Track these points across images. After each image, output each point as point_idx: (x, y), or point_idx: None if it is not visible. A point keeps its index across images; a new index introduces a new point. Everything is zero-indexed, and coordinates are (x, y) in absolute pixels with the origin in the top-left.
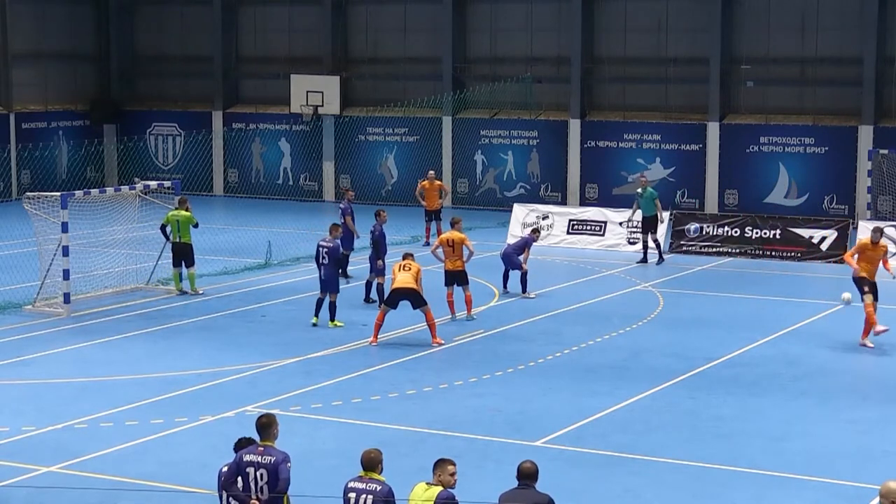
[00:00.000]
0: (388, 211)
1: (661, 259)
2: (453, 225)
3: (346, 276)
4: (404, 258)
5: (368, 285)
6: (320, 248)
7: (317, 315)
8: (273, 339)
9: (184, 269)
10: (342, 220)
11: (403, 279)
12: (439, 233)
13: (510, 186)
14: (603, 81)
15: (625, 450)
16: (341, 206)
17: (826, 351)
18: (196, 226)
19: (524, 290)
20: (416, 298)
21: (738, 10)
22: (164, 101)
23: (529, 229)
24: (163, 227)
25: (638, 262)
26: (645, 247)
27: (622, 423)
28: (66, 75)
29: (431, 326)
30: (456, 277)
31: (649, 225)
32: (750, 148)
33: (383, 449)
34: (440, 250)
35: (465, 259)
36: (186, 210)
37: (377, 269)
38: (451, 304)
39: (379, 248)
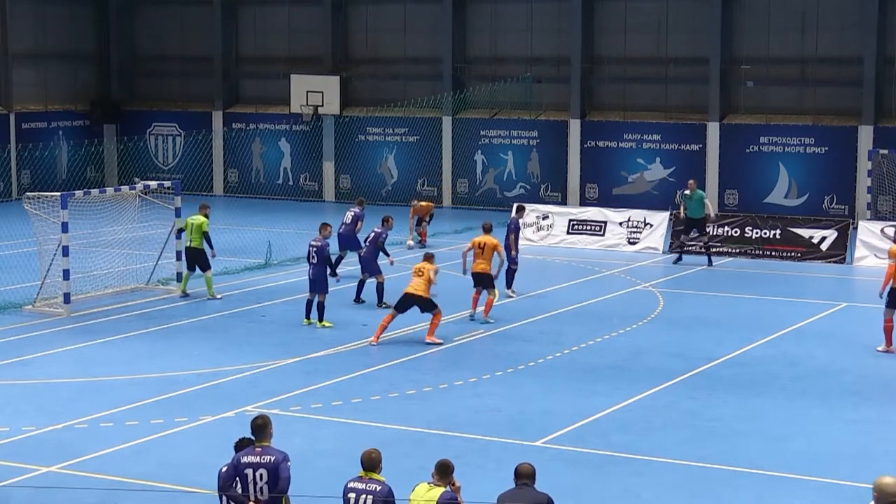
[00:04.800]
0: (387, 211)
1: (710, 262)
2: (487, 231)
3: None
4: (425, 259)
5: (360, 285)
6: (310, 248)
7: (308, 316)
8: (273, 339)
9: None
10: (356, 225)
11: (415, 285)
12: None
13: (510, 186)
14: (603, 81)
15: (625, 450)
16: (357, 210)
17: (826, 351)
18: (205, 234)
19: (508, 286)
20: (424, 304)
21: (738, 10)
22: (164, 101)
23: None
24: (180, 231)
25: (675, 263)
26: (681, 247)
27: (622, 423)
28: (66, 75)
29: (433, 325)
30: (480, 280)
31: (694, 225)
32: (750, 148)
33: (383, 449)
34: (471, 253)
35: (495, 267)
36: (205, 216)
37: (373, 269)
38: (475, 300)
39: (384, 250)
